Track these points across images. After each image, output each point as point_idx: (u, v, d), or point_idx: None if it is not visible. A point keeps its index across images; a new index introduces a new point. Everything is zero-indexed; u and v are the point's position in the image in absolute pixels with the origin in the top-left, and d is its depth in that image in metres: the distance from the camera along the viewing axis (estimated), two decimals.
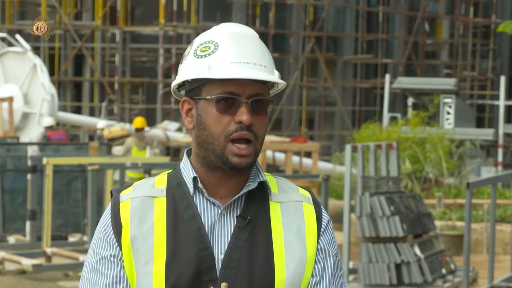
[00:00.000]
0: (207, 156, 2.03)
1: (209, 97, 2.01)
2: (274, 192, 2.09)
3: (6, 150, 12.06)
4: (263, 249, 2.02)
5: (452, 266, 9.56)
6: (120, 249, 2.03)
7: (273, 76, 2.03)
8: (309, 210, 2.10)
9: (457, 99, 20.61)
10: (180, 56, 25.82)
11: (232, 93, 2.00)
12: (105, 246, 2.05)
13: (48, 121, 16.56)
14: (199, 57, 2.03)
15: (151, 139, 14.75)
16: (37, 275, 10.09)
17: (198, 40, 2.07)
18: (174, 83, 2.09)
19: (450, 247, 11.60)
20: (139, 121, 14.36)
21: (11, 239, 11.67)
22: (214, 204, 2.05)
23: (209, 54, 2.02)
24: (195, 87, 2.04)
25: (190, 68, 2.04)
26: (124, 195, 2.08)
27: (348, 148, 9.36)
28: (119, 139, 17.35)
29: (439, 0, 30.83)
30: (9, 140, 13.71)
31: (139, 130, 14.20)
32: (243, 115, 1.99)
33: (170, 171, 2.12)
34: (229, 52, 2.01)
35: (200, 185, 2.05)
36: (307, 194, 2.12)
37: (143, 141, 14.00)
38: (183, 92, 2.13)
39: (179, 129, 19.67)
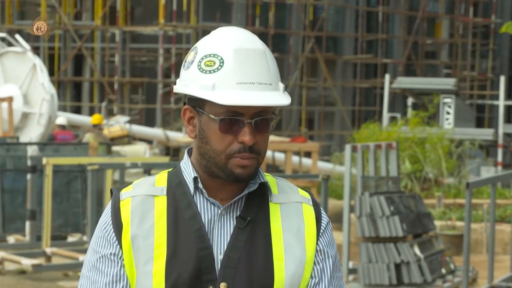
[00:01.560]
0: (209, 166, 2.03)
1: (213, 116, 1.99)
2: (274, 193, 2.09)
3: (6, 150, 12.06)
4: (262, 250, 2.02)
5: (452, 266, 9.57)
6: (121, 247, 2.03)
7: (277, 97, 2.00)
8: (309, 212, 2.10)
9: (456, 99, 20.61)
10: (180, 56, 25.82)
11: (235, 113, 1.99)
12: (105, 244, 2.05)
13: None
14: (204, 71, 2.00)
15: (107, 137, 15.38)
16: (37, 275, 10.09)
17: (202, 50, 2.03)
18: (177, 90, 2.07)
19: (449, 247, 11.61)
20: (96, 118, 15.39)
21: (11, 239, 11.67)
22: (214, 204, 2.05)
23: (214, 71, 1.99)
24: (199, 98, 2.02)
25: (194, 82, 2.01)
26: (125, 193, 2.07)
27: (347, 148, 9.36)
28: (119, 139, 17.36)
29: (439, 0, 30.83)
30: (8, 140, 13.70)
31: (96, 126, 14.85)
32: (246, 135, 1.99)
33: (170, 170, 2.12)
34: (234, 71, 1.98)
35: (200, 185, 2.05)
36: (306, 195, 2.12)
37: (100, 137, 14.58)
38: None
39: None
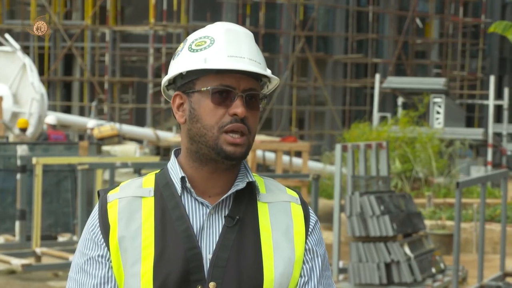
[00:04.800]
0: (200, 149, 2.03)
1: (204, 88, 2.01)
2: (262, 192, 2.09)
3: None
4: (251, 249, 2.02)
5: (442, 266, 9.58)
6: (108, 249, 2.03)
7: (268, 71, 2.06)
8: (297, 211, 2.10)
9: (446, 98, 20.66)
10: (170, 56, 25.77)
11: (227, 86, 2.01)
12: (92, 246, 2.05)
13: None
14: (194, 51, 2.04)
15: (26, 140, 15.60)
16: (27, 275, 10.06)
17: (192, 36, 2.09)
18: (166, 78, 2.09)
19: (439, 247, 11.63)
20: (22, 122, 15.64)
21: (1, 239, 11.62)
22: (202, 204, 2.05)
23: (205, 48, 2.03)
24: (189, 81, 2.04)
25: (185, 61, 2.05)
26: (112, 195, 2.07)
27: (338, 147, 9.37)
28: (109, 139, 17.33)
29: (429, 0, 30.89)
30: None
31: (23, 130, 15.35)
32: (238, 107, 2.00)
33: (157, 171, 2.12)
34: (225, 46, 2.03)
35: (188, 185, 2.05)
36: (294, 194, 2.13)
37: (26, 140, 14.85)
38: (171, 92, 2.12)
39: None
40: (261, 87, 2.10)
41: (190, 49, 2.05)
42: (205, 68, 2.01)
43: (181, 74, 2.06)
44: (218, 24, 2.08)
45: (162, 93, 2.16)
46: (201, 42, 2.04)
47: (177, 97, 2.07)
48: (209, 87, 2.01)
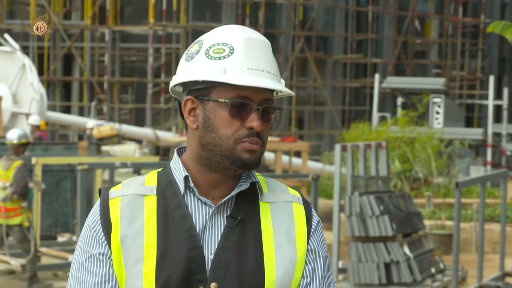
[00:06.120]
0: (212, 157, 2.02)
1: (222, 100, 2.00)
2: (264, 192, 2.09)
3: None
4: (252, 249, 2.02)
5: (441, 265, 9.59)
6: (109, 247, 2.02)
7: (285, 87, 2.05)
8: (299, 211, 2.09)
9: (446, 98, 20.66)
10: (169, 56, 25.78)
11: (245, 98, 2.00)
12: (93, 244, 2.03)
13: (36, 119, 16.54)
14: (213, 58, 2.01)
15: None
16: (26, 275, 10.04)
17: (209, 40, 2.05)
18: (178, 80, 2.06)
19: (439, 247, 11.64)
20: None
21: None
22: (205, 204, 2.04)
23: (224, 57, 2.01)
24: (204, 87, 2.02)
25: (203, 68, 2.01)
26: (114, 192, 2.06)
27: (337, 147, 9.38)
28: (108, 139, 17.34)
29: (428, 0, 30.89)
30: None
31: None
32: (255, 121, 2.00)
33: (160, 169, 2.11)
34: (245, 57, 2.01)
35: (191, 184, 2.04)
36: (297, 194, 2.12)
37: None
38: (177, 88, 2.10)
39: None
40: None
41: (207, 55, 2.02)
42: (226, 82, 1.99)
43: (197, 80, 2.03)
44: (236, 31, 2.04)
45: (170, 90, 2.14)
46: (219, 50, 2.01)
47: (188, 101, 2.05)
48: (228, 100, 1.99)
